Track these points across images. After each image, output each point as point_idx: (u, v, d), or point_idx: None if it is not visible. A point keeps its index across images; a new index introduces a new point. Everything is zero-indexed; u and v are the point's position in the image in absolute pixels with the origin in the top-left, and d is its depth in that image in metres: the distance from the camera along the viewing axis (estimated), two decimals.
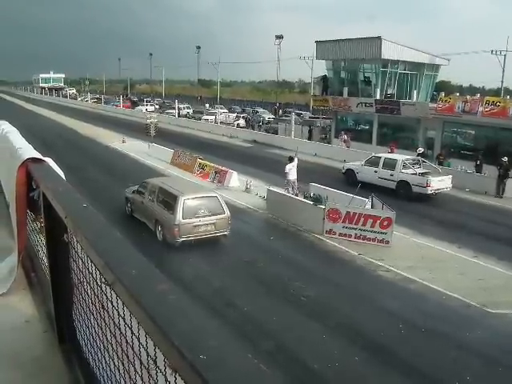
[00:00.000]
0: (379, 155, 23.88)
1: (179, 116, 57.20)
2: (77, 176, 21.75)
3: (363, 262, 14.02)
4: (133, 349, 1.43)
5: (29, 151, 3.23)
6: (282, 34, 70.93)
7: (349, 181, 23.22)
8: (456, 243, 15.65)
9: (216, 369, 0.87)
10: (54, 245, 2.47)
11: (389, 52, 34.43)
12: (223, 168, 24.05)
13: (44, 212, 2.53)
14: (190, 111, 63.54)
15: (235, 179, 23.08)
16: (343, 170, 24.85)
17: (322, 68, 40.92)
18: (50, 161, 3.15)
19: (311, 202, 17.29)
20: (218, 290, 11.74)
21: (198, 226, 13.85)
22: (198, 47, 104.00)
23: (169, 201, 14.29)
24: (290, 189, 19.76)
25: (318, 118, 44.41)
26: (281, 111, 60.62)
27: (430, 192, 21.08)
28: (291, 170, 20.04)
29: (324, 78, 40.77)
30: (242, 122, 50.66)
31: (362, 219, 15.40)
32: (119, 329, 1.56)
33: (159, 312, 1.09)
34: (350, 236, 15.53)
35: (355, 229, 15.48)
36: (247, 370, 0.88)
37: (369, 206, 16.48)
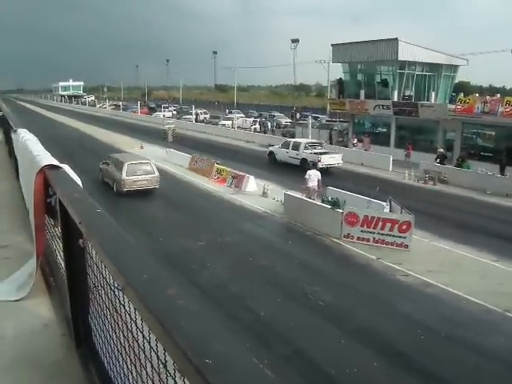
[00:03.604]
0: (289, 140, 31.42)
1: (196, 121, 57.52)
2: (92, 179, 23.24)
3: (381, 266, 13.90)
4: (144, 352, 1.44)
5: (46, 158, 3.29)
6: (298, 37, 70.89)
7: (270, 160, 30.81)
8: (476, 247, 15.43)
9: (221, 373, 0.87)
10: (71, 250, 2.51)
11: (406, 53, 34.24)
12: (240, 173, 24.11)
13: (60, 218, 2.57)
14: (207, 116, 63.79)
15: (252, 184, 23.12)
16: (268, 152, 31.49)
17: (339, 71, 40.87)
18: (66, 167, 3.20)
19: (329, 206, 17.21)
20: (236, 294, 11.73)
21: (136, 181, 20.93)
22: (215, 52, 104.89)
23: (119, 166, 21.28)
24: (312, 196, 19.51)
25: (334, 121, 44.25)
26: (298, 115, 60.46)
27: (321, 166, 25.68)
28: (311, 177, 19.92)
29: (340, 80, 40.67)
30: (258, 126, 50.63)
31: (381, 223, 15.29)
32: (131, 333, 1.58)
33: (167, 316, 1.10)
34: (369, 240, 15.43)
35: (373, 233, 15.38)
36: (252, 375, 0.89)
37: (387, 209, 16.36)
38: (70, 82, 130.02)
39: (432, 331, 10.15)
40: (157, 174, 21.37)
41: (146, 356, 1.44)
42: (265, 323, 10.35)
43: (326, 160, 27.69)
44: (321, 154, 28.02)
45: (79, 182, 3.22)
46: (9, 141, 8.69)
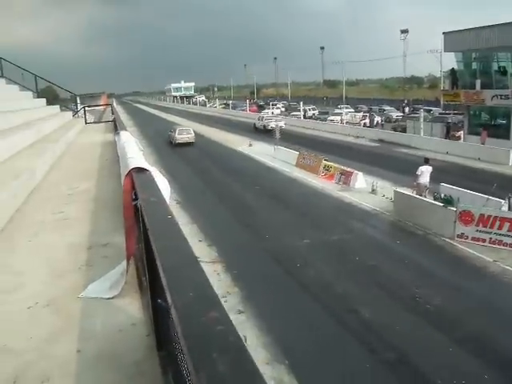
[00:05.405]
0: (261, 115, 53.04)
1: (305, 117, 57.47)
2: (203, 178, 24.81)
3: (498, 269, 12.83)
4: None
5: (136, 161, 3.36)
6: (408, 27, 68.25)
7: (254, 128, 49.74)
8: None
9: None
10: (151, 254, 2.52)
11: None
12: (348, 169, 23.62)
13: (142, 220, 2.59)
14: (316, 112, 63.47)
15: (361, 180, 22.57)
16: (253, 124, 51.17)
17: (453, 60, 38.50)
18: (154, 170, 3.24)
19: (441, 204, 16.25)
20: (340, 294, 11.47)
21: (183, 137, 39.31)
22: (322, 48, 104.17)
23: (175, 131, 40.37)
24: (423, 193, 18.61)
25: (449, 113, 41.77)
26: (407, 108, 58.00)
27: (269, 128, 44.35)
28: (423, 173, 18.96)
29: (452, 71, 38.36)
30: (367, 121, 49.40)
31: (498, 222, 14.14)
32: None
33: (201, 346, 1.00)
34: (484, 240, 14.35)
35: (490, 233, 14.28)
36: None
37: (506, 207, 15.12)
38: (182, 84, 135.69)
39: None
40: (193, 134, 39.83)
41: None
42: (369, 326, 10.01)
43: (272, 124, 44.75)
44: (270, 121, 47.45)
45: (166, 184, 3.25)
46: None
